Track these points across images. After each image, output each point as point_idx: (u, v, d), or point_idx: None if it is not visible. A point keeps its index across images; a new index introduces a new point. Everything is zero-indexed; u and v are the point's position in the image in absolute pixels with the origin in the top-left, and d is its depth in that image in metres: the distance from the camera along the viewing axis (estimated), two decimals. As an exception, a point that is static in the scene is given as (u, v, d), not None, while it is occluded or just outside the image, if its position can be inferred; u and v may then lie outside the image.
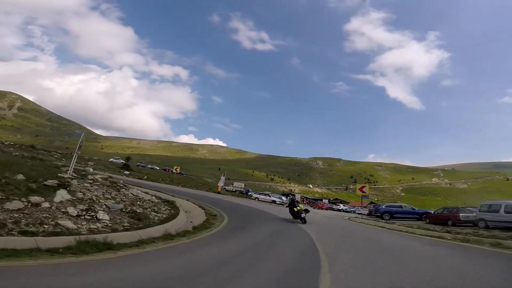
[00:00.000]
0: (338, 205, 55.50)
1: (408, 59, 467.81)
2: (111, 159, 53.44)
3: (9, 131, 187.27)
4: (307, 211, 14.00)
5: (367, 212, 27.27)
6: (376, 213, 22.66)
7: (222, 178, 27.34)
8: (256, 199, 30.30)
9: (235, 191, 38.75)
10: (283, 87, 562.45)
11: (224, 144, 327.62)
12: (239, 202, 22.79)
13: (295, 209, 13.73)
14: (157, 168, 61.33)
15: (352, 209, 45.82)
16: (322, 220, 17.89)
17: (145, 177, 32.07)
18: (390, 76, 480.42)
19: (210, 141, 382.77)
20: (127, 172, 34.22)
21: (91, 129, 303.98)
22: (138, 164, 56.39)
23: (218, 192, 27.26)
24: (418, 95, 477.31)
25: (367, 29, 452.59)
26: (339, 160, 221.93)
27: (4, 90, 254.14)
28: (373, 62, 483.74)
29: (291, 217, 14.23)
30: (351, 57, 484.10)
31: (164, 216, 8.74)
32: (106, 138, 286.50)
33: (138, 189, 12.08)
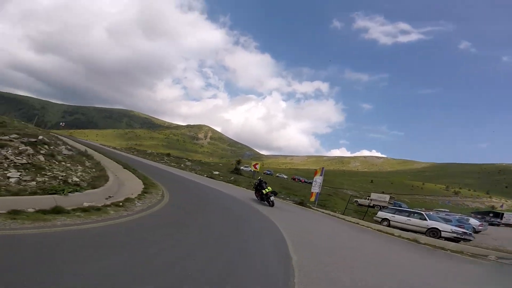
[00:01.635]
0: None
1: None
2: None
3: (205, 155, 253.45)
4: (275, 193, 13.32)
5: None
6: None
7: (317, 180, 17.58)
8: (386, 223, 13.94)
9: (374, 206, 26.21)
10: (451, 79, 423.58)
11: (381, 155, 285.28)
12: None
13: (263, 191, 12.85)
14: (285, 177, 57.70)
15: None
16: None
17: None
18: None
19: (364, 152, 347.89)
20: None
21: (257, 150, 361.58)
22: (265, 172, 55.45)
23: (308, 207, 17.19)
24: None
25: None
26: None
27: (201, 124, 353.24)
28: None
29: None
30: None
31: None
32: (267, 157, 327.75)
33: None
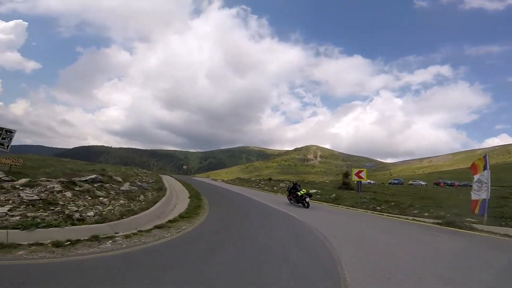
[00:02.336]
0: None
1: None
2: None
3: (319, 175, 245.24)
4: (309, 195, 13.79)
5: None
6: None
7: (482, 179, 9.38)
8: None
9: None
10: None
11: None
12: None
13: (298, 193, 13.71)
14: (422, 183, 43.14)
15: None
16: None
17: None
18: None
19: None
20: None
21: (380, 160, 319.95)
22: (391, 182, 43.72)
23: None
24: None
25: None
26: None
27: (308, 144, 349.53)
28: None
29: None
30: None
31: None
32: (395, 164, 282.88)
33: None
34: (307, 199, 13.09)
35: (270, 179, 54.26)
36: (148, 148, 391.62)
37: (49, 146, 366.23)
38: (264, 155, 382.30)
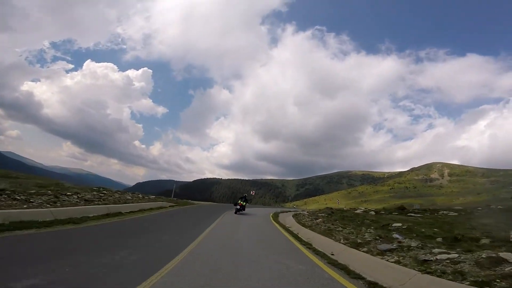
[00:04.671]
0: None
1: None
2: None
3: (451, 197, 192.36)
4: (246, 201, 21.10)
5: None
6: None
7: None
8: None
9: None
10: None
11: None
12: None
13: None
14: None
15: None
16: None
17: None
18: None
19: None
20: None
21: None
22: None
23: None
24: None
25: None
26: None
27: (428, 162, 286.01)
28: None
29: None
30: None
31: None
32: None
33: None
34: (237, 207, 19.73)
35: (402, 207, 27.85)
36: (250, 178, 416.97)
37: (178, 180, 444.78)
38: (369, 178, 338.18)
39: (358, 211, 20.69)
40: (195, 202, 36.44)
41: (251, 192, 44.79)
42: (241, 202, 19.71)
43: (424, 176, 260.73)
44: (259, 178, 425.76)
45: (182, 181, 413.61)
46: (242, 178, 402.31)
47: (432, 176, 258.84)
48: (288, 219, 18.04)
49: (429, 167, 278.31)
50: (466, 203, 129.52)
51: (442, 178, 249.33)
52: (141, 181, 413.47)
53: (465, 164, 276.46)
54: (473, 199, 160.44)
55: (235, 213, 19.12)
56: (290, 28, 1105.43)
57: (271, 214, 24.41)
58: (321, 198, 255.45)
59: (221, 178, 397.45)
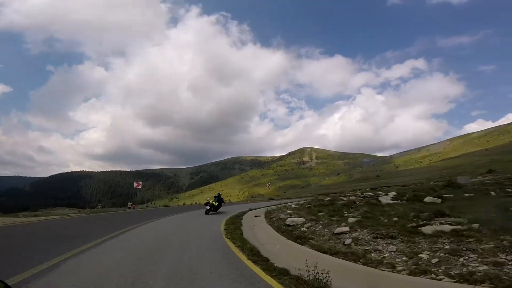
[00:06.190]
0: None
1: None
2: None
3: (320, 177, 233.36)
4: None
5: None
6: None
7: None
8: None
9: None
10: None
11: None
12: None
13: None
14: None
15: None
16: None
17: None
18: None
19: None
20: None
21: (378, 154, 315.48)
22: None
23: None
24: None
25: None
26: None
27: (302, 147, 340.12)
28: None
29: None
30: None
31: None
32: (392, 157, 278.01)
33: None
34: (207, 207, 17.94)
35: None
36: (133, 169, 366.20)
37: (28, 176, 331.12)
38: (258, 163, 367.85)
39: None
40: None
41: (136, 185, 34.37)
42: (213, 202, 18.01)
43: (299, 160, 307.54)
44: (145, 169, 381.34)
45: (35, 177, 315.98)
46: (122, 170, 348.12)
47: (304, 159, 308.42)
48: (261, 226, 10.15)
49: (301, 151, 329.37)
50: (331, 184, 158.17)
51: (311, 161, 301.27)
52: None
53: (326, 149, 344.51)
54: (336, 179, 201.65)
55: (206, 213, 17.44)
56: (195, 10, 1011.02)
57: (236, 215, 15.60)
58: (217, 185, 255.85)
59: (93, 171, 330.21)
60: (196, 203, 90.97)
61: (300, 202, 17.54)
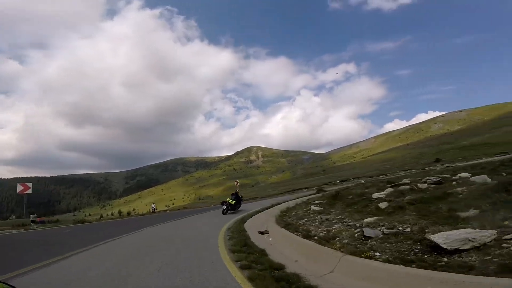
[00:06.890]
0: None
1: None
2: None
3: (267, 175, 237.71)
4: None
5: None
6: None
7: None
8: None
9: None
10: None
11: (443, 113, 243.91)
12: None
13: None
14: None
15: None
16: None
17: None
18: None
19: (420, 117, 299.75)
20: None
21: (316, 151, 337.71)
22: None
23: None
24: None
25: None
26: None
27: (248, 146, 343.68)
28: None
29: None
30: None
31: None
32: (329, 154, 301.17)
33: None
34: (223, 206, 16.66)
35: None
36: (54, 175, 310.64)
37: None
38: (203, 164, 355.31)
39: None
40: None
41: (20, 190, 20.69)
42: (230, 200, 16.93)
43: (246, 159, 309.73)
44: (69, 174, 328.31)
45: None
46: (39, 176, 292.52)
47: (252, 158, 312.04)
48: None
49: (249, 150, 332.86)
50: (278, 182, 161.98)
51: (258, 159, 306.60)
52: None
53: (270, 147, 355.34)
54: (282, 176, 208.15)
55: (223, 213, 16.38)
56: (137, 3, 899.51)
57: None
58: (158, 189, 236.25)
59: (2, 178, 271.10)
60: (152, 210, 79.37)
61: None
